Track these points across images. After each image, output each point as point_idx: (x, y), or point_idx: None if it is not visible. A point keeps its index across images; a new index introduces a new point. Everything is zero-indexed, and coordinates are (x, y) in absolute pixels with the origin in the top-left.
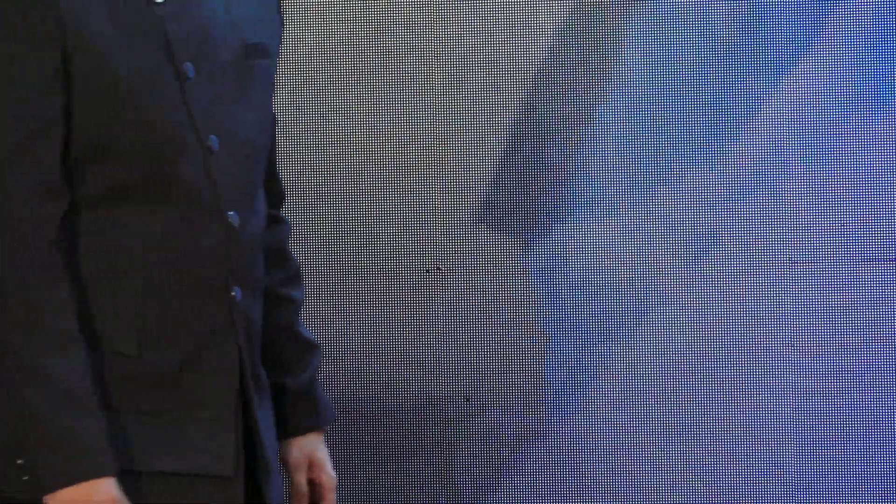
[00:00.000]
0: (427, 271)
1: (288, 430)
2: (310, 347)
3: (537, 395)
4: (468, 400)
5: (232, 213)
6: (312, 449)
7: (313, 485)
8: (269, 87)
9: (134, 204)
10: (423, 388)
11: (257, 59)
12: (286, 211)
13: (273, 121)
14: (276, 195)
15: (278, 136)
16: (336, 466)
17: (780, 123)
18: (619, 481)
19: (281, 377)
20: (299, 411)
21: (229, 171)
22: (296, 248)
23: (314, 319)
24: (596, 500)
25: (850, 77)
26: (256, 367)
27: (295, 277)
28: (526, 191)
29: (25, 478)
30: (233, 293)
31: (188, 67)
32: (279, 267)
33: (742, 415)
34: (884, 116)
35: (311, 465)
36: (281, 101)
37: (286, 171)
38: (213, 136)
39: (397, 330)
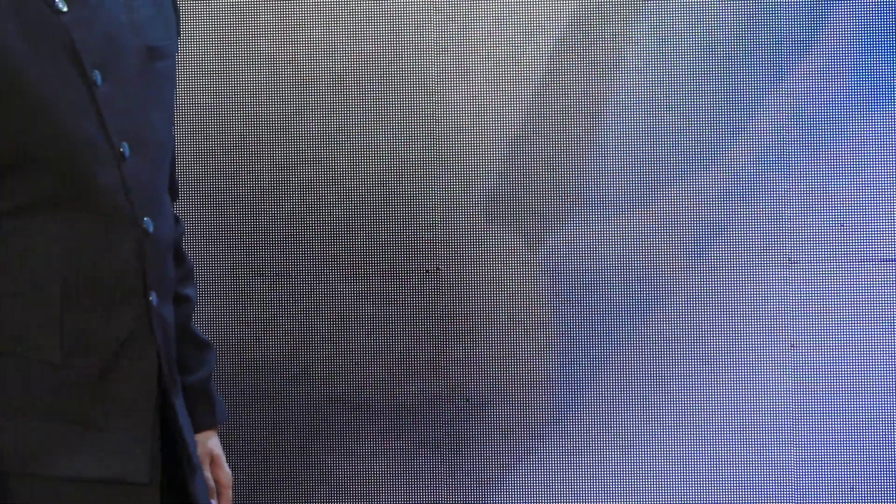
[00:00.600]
0: (427, 272)
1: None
2: (205, 346)
3: (539, 396)
4: (468, 400)
5: (146, 218)
6: (211, 445)
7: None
8: (172, 87)
9: (50, 213)
10: (422, 388)
11: (159, 61)
12: (291, 210)
13: (173, 121)
14: (172, 193)
15: (289, 138)
16: (336, 466)
17: (782, 125)
18: (621, 482)
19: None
20: (198, 409)
21: (141, 177)
22: (299, 249)
23: (315, 320)
24: (597, 500)
25: (849, 77)
26: (174, 370)
27: (189, 276)
28: (529, 190)
29: None
30: (150, 298)
31: (96, 75)
32: (175, 265)
33: (743, 416)
34: (883, 117)
35: (211, 461)
36: (284, 101)
37: (287, 173)
38: (124, 143)
39: (397, 330)
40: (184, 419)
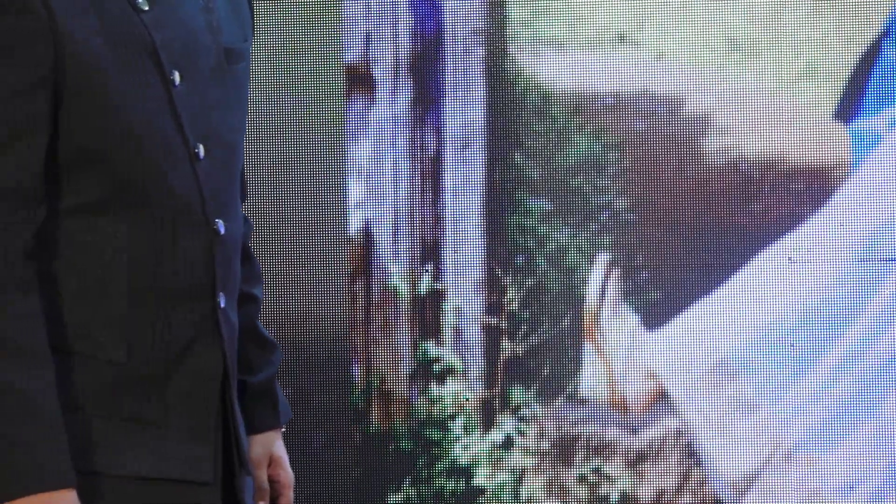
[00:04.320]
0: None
1: (248, 427)
2: (270, 346)
3: None
4: (467, 400)
5: (218, 220)
6: (272, 446)
7: (271, 482)
8: (246, 90)
9: (121, 212)
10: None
11: (235, 62)
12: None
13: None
14: (242, 195)
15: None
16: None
17: None
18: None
19: (241, 375)
20: (260, 410)
21: (214, 178)
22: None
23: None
24: None
25: None
26: (235, 371)
27: (257, 276)
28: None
29: None
30: (217, 299)
31: (175, 74)
32: (242, 265)
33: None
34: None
35: (271, 462)
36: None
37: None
38: (199, 144)
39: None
40: (240, 419)
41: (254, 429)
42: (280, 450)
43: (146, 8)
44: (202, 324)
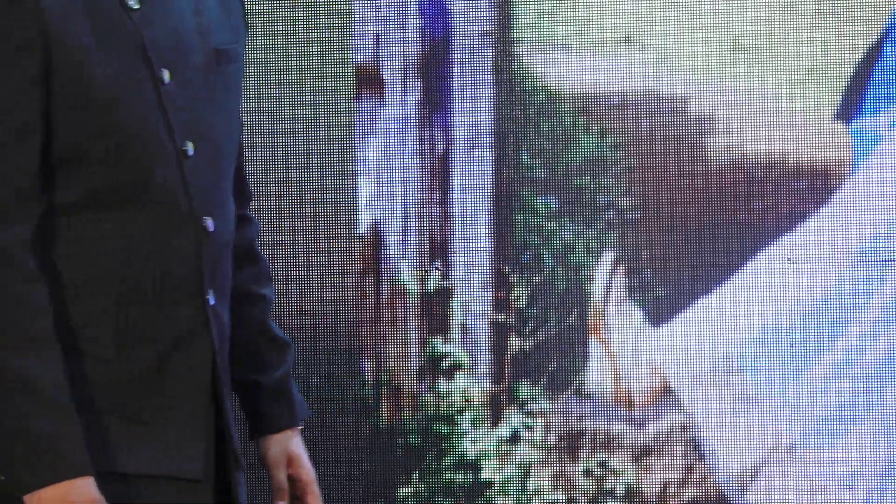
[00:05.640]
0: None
1: (264, 427)
2: (283, 345)
3: None
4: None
5: (206, 217)
6: (289, 445)
7: (293, 480)
8: (238, 91)
9: (110, 209)
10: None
11: (226, 64)
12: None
13: (241, 124)
14: (244, 196)
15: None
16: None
17: None
18: None
19: (255, 375)
20: (275, 409)
21: (203, 176)
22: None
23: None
24: None
25: None
26: (226, 369)
27: (266, 276)
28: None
29: (1, 477)
30: (206, 296)
31: (164, 73)
32: (250, 265)
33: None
34: None
35: (290, 461)
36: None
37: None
38: (188, 142)
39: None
40: (231, 415)
41: (270, 428)
42: (298, 447)
43: (136, 7)
44: (191, 321)
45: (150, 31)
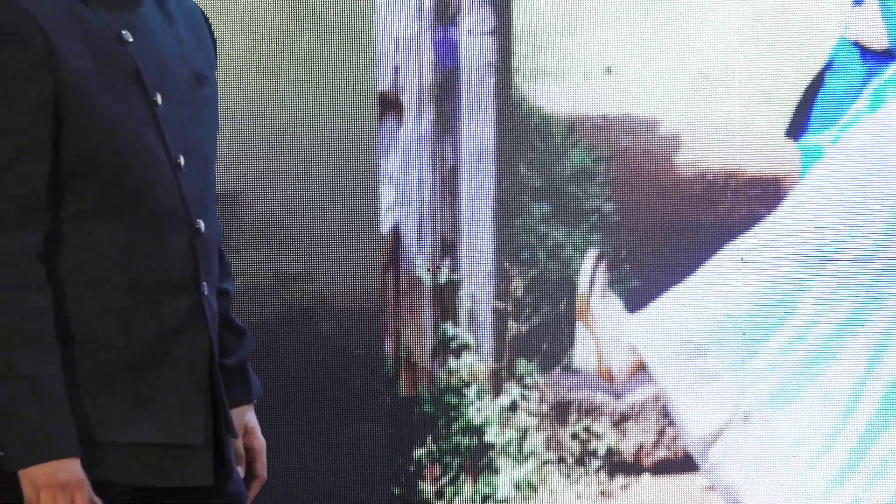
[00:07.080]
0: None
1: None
2: (243, 332)
3: None
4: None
5: (198, 220)
6: (245, 418)
7: (247, 448)
8: (215, 109)
9: (116, 215)
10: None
11: (204, 86)
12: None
13: (216, 137)
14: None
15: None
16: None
17: None
18: None
19: (219, 358)
20: (236, 387)
21: (193, 184)
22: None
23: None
24: None
25: None
26: (217, 351)
27: (227, 273)
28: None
29: (1, 454)
30: (201, 288)
31: (157, 96)
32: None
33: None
34: None
35: (245, 432)
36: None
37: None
38: (180, 155)
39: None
40: (223, 390)
41: (231, 404)
42: (252, 421)
43: (130, 39)
44: (190, 310)
45: (142, 61)
